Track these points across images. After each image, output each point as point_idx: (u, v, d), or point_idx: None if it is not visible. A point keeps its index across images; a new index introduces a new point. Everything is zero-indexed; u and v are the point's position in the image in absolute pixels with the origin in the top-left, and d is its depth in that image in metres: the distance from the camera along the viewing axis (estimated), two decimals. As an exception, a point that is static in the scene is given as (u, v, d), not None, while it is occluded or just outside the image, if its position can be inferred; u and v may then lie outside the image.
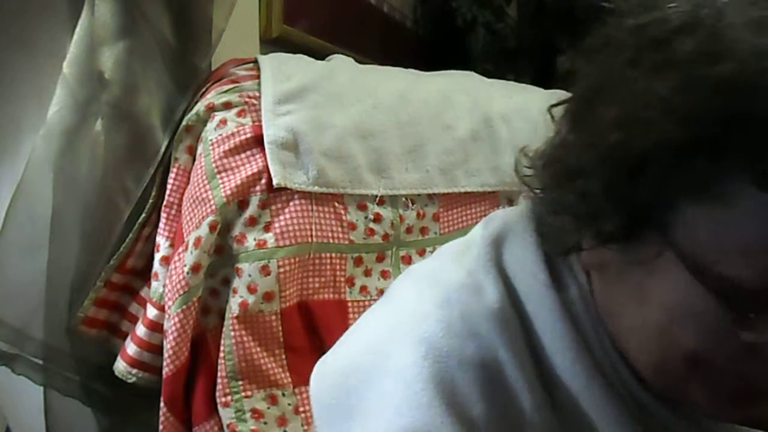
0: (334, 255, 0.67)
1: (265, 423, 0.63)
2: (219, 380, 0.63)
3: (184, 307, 0.62)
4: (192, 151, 0.69)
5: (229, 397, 0.63)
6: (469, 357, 0.34)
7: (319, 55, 0.86)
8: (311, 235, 0.65)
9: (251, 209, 0.64)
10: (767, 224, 0.28)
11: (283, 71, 0.72)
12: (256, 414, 0.63)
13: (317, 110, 0.69)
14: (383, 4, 1.35)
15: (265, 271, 0.63)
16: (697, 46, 0.28)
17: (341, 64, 0.79)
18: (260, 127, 0.67)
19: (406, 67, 0.87)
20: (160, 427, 0.63)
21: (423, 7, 1.49)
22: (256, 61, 0.75)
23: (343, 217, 0.68)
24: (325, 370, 0.39)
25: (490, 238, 0.39)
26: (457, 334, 0.34)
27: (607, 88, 0.32)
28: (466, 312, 0.35)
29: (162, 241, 0.67)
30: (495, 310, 0.35)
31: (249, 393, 0.63)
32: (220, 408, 0.63)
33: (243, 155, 0.66)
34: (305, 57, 0.79)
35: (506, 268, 0.37)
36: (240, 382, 0.63)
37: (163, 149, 0.70)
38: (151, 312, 0.65)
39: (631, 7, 0.33)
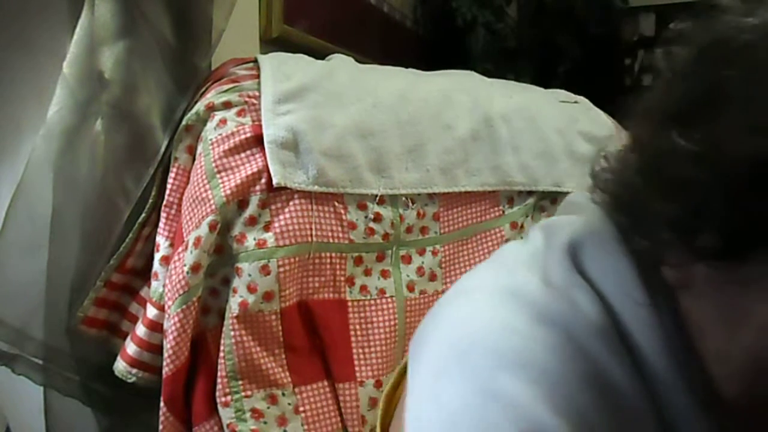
0: (334, 254, 0.67)
1: (265, 423, 0.63)
2: (219, 380, 0.63)
3: (183, 306, 0.62)
4: (192, 151, 0.69)
5: (228, 397, 0.63)
6: (586, 381, 0.29)
7: (319, 55, 0.86)
8: (311, 235, 0.65)
9: (251, 209, 0.64)
10: None
11: (282, 71, 0.72)
12: (256, 414, 0.63)
13: (317, 110, 0.69)
14: (383, 4, 1.35)
15: (264, 270, 0.63)
16: None
17: (341, 63, 0.79)
18: (260, 126, 0.67)
19: (406, 67, 0.87)
20: (160, 427, 0.62)
21: (423, 7, 1.49)
22: (256, 61, 0.75)
23: (343, 217, 0.68)
24: (424, 426, 0.32)
25: (565, 247, 0.35)
26: (569, 356, 0.30)
27: (731, 94, 0.29)
28: (570, 328, 0.31)
29: (162, 241, 0.67)
30: (599, 326, 0.31)
31: (249, 393, 0.63)
32: (220, 408, 0.63)
33: (243, 155, 0.66)
34: (305, 56, 0.79)
35: (593, 279, 0.34)
36: (240, 382, 0.63)
37: (163, 149, 0.70)
38: (151, 312, 0.65)
39: (748, 7, 0.30)
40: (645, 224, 0.32)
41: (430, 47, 1.49)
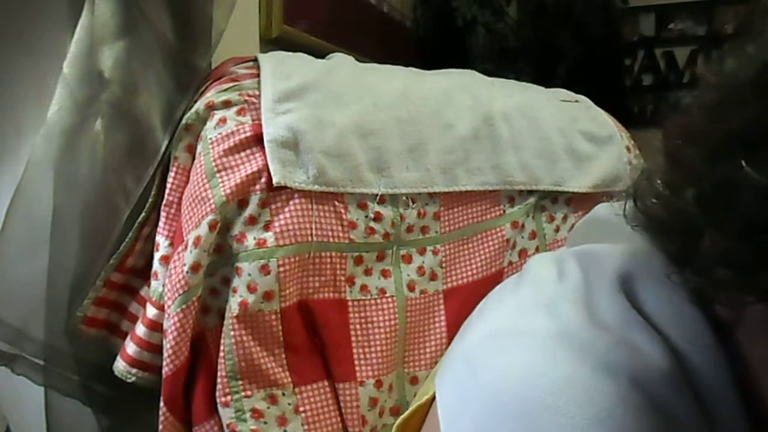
0: (334, 254, 0.67)
1: (265, 423, 0.63)
2: (219, 380, 0.63)
3: (183, 306, 0.62)
4: (191, 150, 0.69)
5: (228, 397, 0.62)
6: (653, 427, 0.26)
7: (319, 55, 0.86)
8: (311, 234, 0.65)
9: (251, 208, 0.64)
10: None
11: (282, 69, 0.72)
12: (256, 414, 0.63)
13: (317, 109, 0.68)
14: (383, 4, 1.35)
15: (264, 270, 0.63)
16: None
17: (341, 62, 0.79)
18: (260, 125, 0.67)
19: (405, 66, 0.86)
20: (160, 427, 0.62)
21: (423, 7, 1.49)
22: (255, 60, 0.75)
23: (343, 216, 0.68)
24: None
25: (614, 279, 0.31)
26: (639, 409, 0.26)
27: None
28: (636, 376, 0.27)
29: (161, 240, 0.67)
30: (666, 371, 0.28)
31: (249, 393, 0.63)
32: (220, 408, 0.63)
33: (243, 154, 0.66)
34: (305, 55, 0.79)
35: (651, 316, 0.30)
36: (240, 382, 0.63)
37: (163, 149, 0.70)
38: (151, 311, 0.65)
39: None
40: (699, 258, 0.28)
41: (430, 47, 1.49)
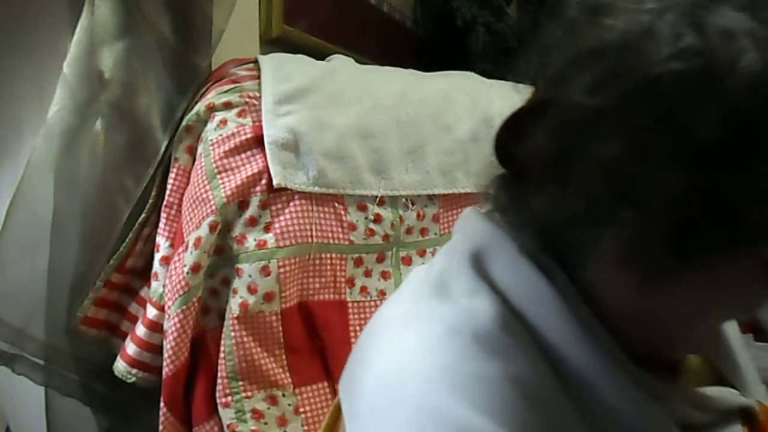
0: (334, 255, 0.67)
1: (266, 423, 0.63)
2: (219, 380, 0.63)
3: (183, 307, 0.62)
4: (192, 151, 0.69)
5: (229, 398, 0.63)
6: (497, 376, 0.32)
7: (319, 55, 0.86)
8: (311, 236, 0.65)
9: (251, 209, 0.64)
10: None
11: (283, 71, 0.72)
12: (257, 414, 0.63)
13: (317, 111, 0.69)
14: (383, 4, 1.35)
15: (265, 271, 0.63)
16: None
17: (341, 64, 0.79)
18: (260, 127, 0.67)
19: (405, 66, 0.87)
20: (160, 427, 0.62)
21: (423, 7, 1.49)
22: (256, 61, 0.75)
23: (344, 218, 0.68)
24: None
25: (467, 258, 0.38)
26: (480, 356, 0.32)
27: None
28: (477, 332, 0.33)
29: (162, 242, 0.67)
30: (503, 324, 0.34)
31: (249, 393, 0.63)
32: (220, 408, 0.63)
33: (243, 155, 0.66)
34: (305, 57, 0.79)
35: (496, 281, 0.37)
36: (240, 383, 0.63)
37: (163, 149, 0.70)
38: (151, 312, 0.65)
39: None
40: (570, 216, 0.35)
41: (429, 47, 1.48)
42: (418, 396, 0.32)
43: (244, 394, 0.63)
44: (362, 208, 0.69)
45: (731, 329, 0.49)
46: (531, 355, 0.34)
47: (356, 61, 0.85)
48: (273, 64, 0.73)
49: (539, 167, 0.37)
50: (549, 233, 0.37)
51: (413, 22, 1.49)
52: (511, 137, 0.40)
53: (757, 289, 0.35)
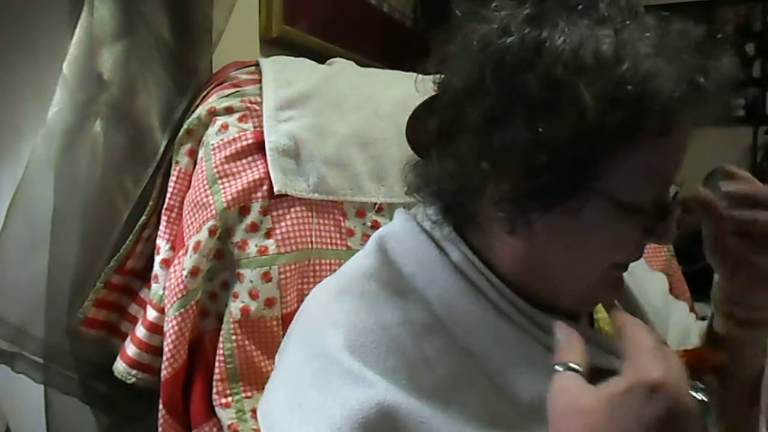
0: (332, 261, 0.67)
1: (265, 423, 0.63)
2: (219, 382, 0.63)
3: (182, 310, 0.62)
4: (193, 155, 0.69)
5: (229, 398, 0.63)
6: (369, 324, 0.43)
7: (319, 55, 0.86)
8: (311, 242, 0.66)
9: (253, 215, 0.65)
10: (657, 161, 0.42)
11: (284, 76, 0.72)
12: (257, 414, 0.63)
13: (318, 117, 0.69)
14: (383, 4, 1.35)
15: (266, 277, 0.63)
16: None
17: (342, 68, 0.79)
18: (262, 132, 0.67)
19: (405, 67, 0.86)
20: (159, 429, 0.63)
21: (423, 7, 1.49)
22: (257, 64, 0.75)
23: (342, 224, 0.68)
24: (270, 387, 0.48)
25: (375, 239, 0.49)
26: (357, 309, 0.43)
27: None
28: (363, 290, 0.45)
29: (162, 244, 0.67)
30: (380, 281, 0.45)
31: (249, 394, 0.64)
32: (220, 409, 0.63)
33: (244, 161, 0.66)
34: (306, 60, 0.80)
35: (389, 251, 0.47)
36: (240, 384, 0.64)
37: (162, 149, 0.71)
38: (151, 314, 0.66)
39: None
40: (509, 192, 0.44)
41: (430, 47, 1.48)
42: (311, 339, 0.44)
43: (244, 395, 0.63)
44: (361, 214, 0.69)
45: (652, 289, 0.58)
46: (407, 308, 0.44)
47: (356, 61, 0.85)
48: (274, 67, 0.73)
49: (432, 146, 0.47)
50: (452, 208, 0.48)
51: (413, 22, 1.49)
52: (413, 126, 0.51)
53: (618, 229, 0.43)
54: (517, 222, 0.43)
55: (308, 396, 0.41)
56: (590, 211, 0.42)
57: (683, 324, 0.61)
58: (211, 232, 0.63)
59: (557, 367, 0.36)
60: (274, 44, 1.00)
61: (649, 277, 0.63)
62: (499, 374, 0.44)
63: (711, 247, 0.49)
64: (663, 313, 0.58)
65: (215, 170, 0.65)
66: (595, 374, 0.42)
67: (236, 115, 0.68)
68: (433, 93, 0.50)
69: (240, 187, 0.65)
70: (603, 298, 0.49)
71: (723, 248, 0.48)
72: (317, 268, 0.67)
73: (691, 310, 0.84)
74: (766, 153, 2.69)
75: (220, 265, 0.66)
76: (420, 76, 0.53)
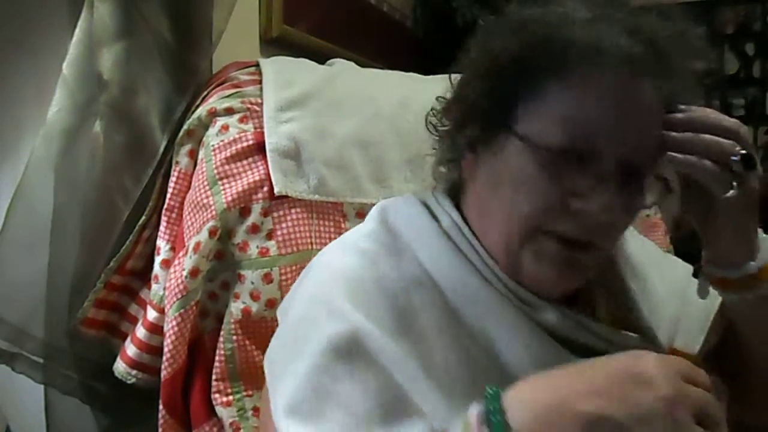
0: (333, 262, 0.68)
1: (265, 422, 0.64)
2: (219, 382, 0.64)
3: (182, 310, 0.63)
4: (193, 155, 0.69)
5: (230, 397, 0.63)
6: (366, 277, 0.46)
7: (319, 55, 0.86)
8: (312, 243, 0.66)
9: (253, 216, 0.65)
10: (567, 104, 0.44)
11: (284, 76, 0.72)
12: (258, 412, 0.63)
13: (319, 118, 0.69)
14: (383, 4, 1.35)
15: (267, 279, 0.63)
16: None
17: (342, 70, 0.79)
18: (262, 134, 0.67)
19: (405, 67, 0.87)
20: (160, 430, 0.63)
21: (423, 7, 1.49)
22: (257, 65, 0.75)
23: (342, 225, 0.68)
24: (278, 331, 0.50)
25: (377, 208, 0.53)
26: (365, 267, 0.47)
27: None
28: (364, 251, 0.48)
29: (162, 245, 0.68)
30: (379, 241, 0.49)
31: (250, 392, 0.64)
32: (221, 408, 0.63)
33: (245, 162, 0.66)
34: (307, 61, 0.80)
35: (389, 221, 0.51)
36: (241, 382, 0.64)
37: (161, 149, 0.71)
38: (151, 314, 0.66)
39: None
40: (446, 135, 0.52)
41: (429, 47, 1.48)
42: (311, 288, 0.49)
43: (245, 393, 0.64)
44: (360, 215, 0.69)
45: (671, 274, 0.57)
46: (401, 265, 0.48)
47: (356, 61, 0.85)
48: (274, 68, 0.73)
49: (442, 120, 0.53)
50: (454, 184, 0.52)
51: (413, 22, 1.48)
52: (435, 114, 0.55)
53: (536, 177, 0.44)
54: (459, 163, 0.50)
55: (297, 333, 0.46)
56: (511, 153, 0.45)
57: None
58: (212, 233, 0.63)
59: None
60: (274, 44, 1.00)
61: (668, 263, 0.61)
62: (480, 333, 0.46)
63: (687, 203, 0.47)
64: (676, 301, 0.55)
65: (215, 171, 0.65)
66: (579, 350, 0.46)
67: (237, 116, 0.68)
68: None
69: (240, 188, 0.65)
70: (538, 273, 0.46)
71: (695, 198, 0.47)
72: (317, 269, 0.67)
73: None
74: (766, 153, 2.70)
75: (221, 266, 0.66)
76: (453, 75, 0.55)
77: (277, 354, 0.47)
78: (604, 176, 0.43)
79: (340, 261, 0.48)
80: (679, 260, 0.64)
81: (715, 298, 0.52)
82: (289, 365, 0.44)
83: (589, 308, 0.53)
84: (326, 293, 0.46)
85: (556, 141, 0.43)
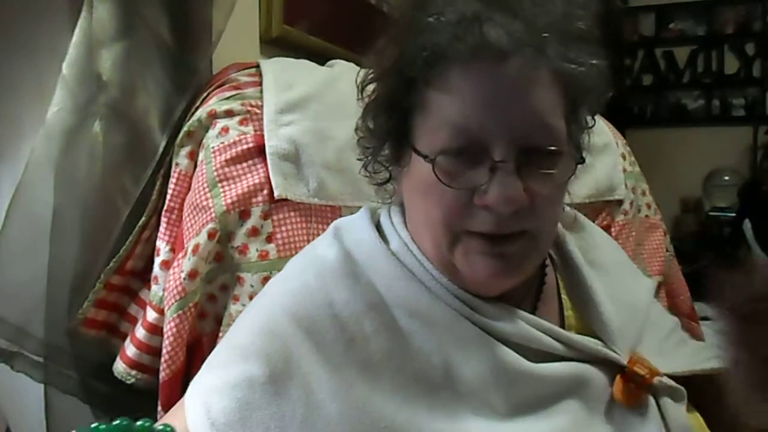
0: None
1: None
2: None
3: (180, 311, 0.63)
4: (193, 157, 0.69)
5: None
6: (320, 301, 0.48)
7: (320, 55, 0.86)
8: (310, 245, 0.66)
9: (253, 219, 0.65)
10: (446, 108, 0.46)
11: (284, 78, 0.72)
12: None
13: (318, 121, 0.69)
14: (383, 4, 1.35)
15: (267, 282, 0.63)
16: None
17: (343, 71, 0.79)
18: (262, 136, 0.67)
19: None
20: (159, 430, 0.63)
21: (423, 6, 1.48)
22: (257, 66, 0.75)
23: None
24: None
25: (331, 229, 0.55)
26: (311, 290, 0.49)
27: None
28: (317, 273, 0.50)
29: (162, 246, 0.68)
30: (335, 267, 0.50)
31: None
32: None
33: (245, 164, 0.66)
34: (307, 62, 0.79)
35: (343, 239, 0.52)
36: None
37: (161, 150, 0.71)
38: (151, 315, 0.66)
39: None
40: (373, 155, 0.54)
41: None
42: (260, 306, 0.51)
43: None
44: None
45: (637, 289, 0.59)
46: (356, 289, 0.49)
47: (356, 62, 0.85)
48: (275, 70, 0.73)
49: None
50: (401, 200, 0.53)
51: (413, 22, 1.48)
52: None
53: (435, 184, 0.45)
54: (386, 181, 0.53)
55: (220, 354, 0.50)
56: (415, 166, 0.48)
57: (661, 328, 0.59)
58: (211, 235, 0.63)
59: None
60: (274, 45, 1.00)
61: (636, 278, 0.63)
62: (436, 352, 0.47)
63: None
64: (641, 316, 0.56)
65: (215, 173, 0.66)
66: (540, 355, 0.48)
67: (237, 118, 0.68)
68: None
69: (240, 191, 0.65)
70: (472, 272, 0.48)
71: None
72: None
73: (691, 310, 0.84)
74: (766, 153, 2.69)
75: (220, 268, 0.66)
76: None
77: (202, 371, 0.50)
78: (496, 166, 0.44)
79: (297, 281, 0.51)
80: (647, 281, 0.65)
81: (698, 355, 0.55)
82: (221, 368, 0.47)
83: (552, 313, 0.54)
84: (274, 313, 0.48)
85: (443, 145, 0.45)
